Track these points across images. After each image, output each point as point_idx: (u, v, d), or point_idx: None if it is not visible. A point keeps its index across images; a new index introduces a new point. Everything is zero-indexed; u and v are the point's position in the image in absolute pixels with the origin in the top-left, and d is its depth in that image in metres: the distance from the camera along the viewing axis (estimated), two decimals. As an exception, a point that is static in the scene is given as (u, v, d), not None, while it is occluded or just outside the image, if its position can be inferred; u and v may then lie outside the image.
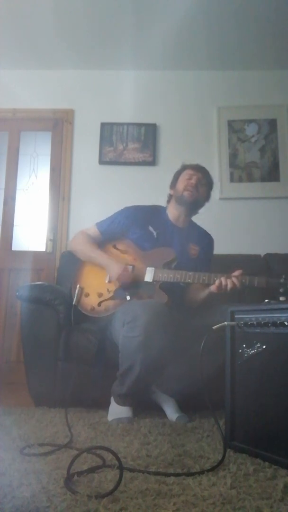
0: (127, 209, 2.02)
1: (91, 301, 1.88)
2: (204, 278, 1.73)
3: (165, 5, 2.60)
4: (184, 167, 2.04)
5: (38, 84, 3.27)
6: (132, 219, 1.97)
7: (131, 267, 1.86)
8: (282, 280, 1.60)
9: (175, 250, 1.88)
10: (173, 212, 2.02)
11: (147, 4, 2.61)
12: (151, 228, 1.95)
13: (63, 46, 3.03)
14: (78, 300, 1.89)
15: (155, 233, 1.94)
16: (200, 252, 1.98)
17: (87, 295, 1.90)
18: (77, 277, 1.97)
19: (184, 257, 1.90)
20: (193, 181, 1.95)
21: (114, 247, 1.97)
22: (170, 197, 2.06)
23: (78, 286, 1.91)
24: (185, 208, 1.98)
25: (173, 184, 2.04)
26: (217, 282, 1.68)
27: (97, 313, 1.86)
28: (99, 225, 2.01)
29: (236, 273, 1.70)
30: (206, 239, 2.06)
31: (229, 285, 1.66)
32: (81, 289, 1.91)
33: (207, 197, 2.03)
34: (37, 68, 3.27)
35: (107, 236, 1.99)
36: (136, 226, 1.95)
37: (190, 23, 2.75)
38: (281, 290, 1.60)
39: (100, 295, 1.88)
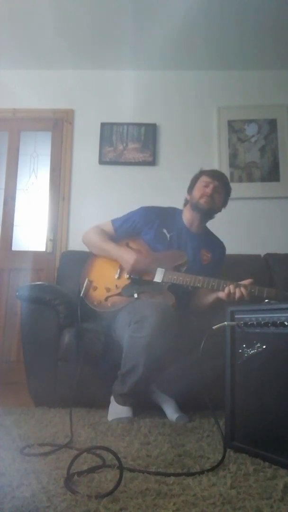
0: (143, 209, 2.02)
1: (98, 295, 1.88)
2: (213, 284, 1.73)
3: (165, 5, 2.60)
4: (201, 173, 2.01)
5: (38, 84, 3.27)
6: (146, 220, 1.97)
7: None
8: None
9: (186, 254, 1.89)
10: (187, 217, 2.01)
11: (147, 4, 2.61)
12: (165, 231, 1.95)
13: (63, 46, 3.03)
14: (86, 293, 1.89)
15: (168, 236, 1.95)
16: (212, 259, 1.98)
17: (95, 288, 1.90)
18: (87, 270, 1.97)
19: (195, 262, 1.91)
20: (209, 190, 1.93)
21: (127, 245, 1.97)
22: (186, 201, 2.04)
23: (87, 279, 1.92)
24: (200, 214, 1.97)
25: (190, 189, 2.02)
26: (226, 290, 1.68)
27: (103, 308, 1.86)
28: (114, 221, 2.02)
29: (246, 282, 1.70)
30: (219, 247, 2.06)
31: (237, 294, 1.66)
32: (90, 282, 1.91)
33: (223, 204, 2.02)
34: (37, 68, 3.26)
35: (121, 234, 1.99)
36: (150, 227, 1.96)
37: (190, 23, 2.74)
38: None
39: (108, 290, 1.88)
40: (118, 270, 1.90)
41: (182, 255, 1.88)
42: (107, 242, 1.96)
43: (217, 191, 1.95)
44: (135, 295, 1.79)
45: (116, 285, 1.88)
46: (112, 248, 1.93)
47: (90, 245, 2.03)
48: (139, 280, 1.85)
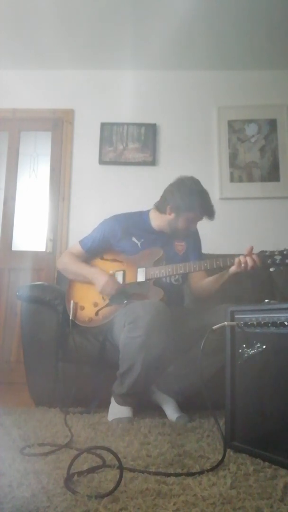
0: (106, 223, 1.99)
1: (87, 313, 1.88)
2: (195, 266, 1.75)
3: (165, 5, 2.60)
4: (195, 204, 1.84)
5: (38, 84, 3.27)
6: (113, 232, 1.94)
7: (121, 272, 1.87)
8: (267, 253, 1.65)
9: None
10: (158, 223, 1.96)
11: (147, 4, 2.61)
12: (134, 239, 1.93)
13: (63, 46, 3.03)
14: (74, 315, 1.89)
15: (139, 244, 1.92)
16: (187, 246, 1.98)
17: (82, 308, 1.90)
18: (70, 293, 1.97)
19: (171, 256, 1.91)
20: (194, 227, 1.92)
21: (102, 258, 1.97)
22: (161, 209, 1.93)
23: (72, 301, 1.92)
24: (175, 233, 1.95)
25: (177, 210, 1.87)
26: (236, 261, 1.67)
27: (96, 323, 1.86)
28: (82, 242, 2.00)
29: (248, 249, 1.68)
30: (190, 232, 2.02)
31: (250, 264, 1.64)
32: (75, 303, 1.91)
33: None
34: (37, 68, 3.27)
35: (92, 252, 1.98)
36: (119, 238, 1.94)
37: (190, 23, 2.75)
38: (269, 261, 1.63)
39: (95, 304, 1.88)
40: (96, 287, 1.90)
41: (158, 251, 1.87)
42: (80, 267, 1.94)
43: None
44: (124, 301, 1.79)
45: (103, 297, 1.87)
46: (86, 272, 1.92)
47: (65, 272, 2.03)
48: (123, 285, 1.84)
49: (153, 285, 1.80)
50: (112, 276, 1.86)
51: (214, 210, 1.88)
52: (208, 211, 1.87)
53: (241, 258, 1.67)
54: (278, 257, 1.62)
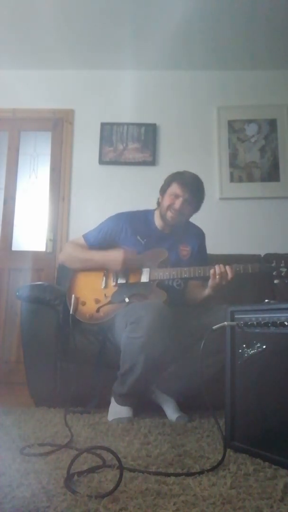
0: (111, 219, 1.98)
1: (88, 309, 1.86)
2: (199, 271, 1.74)
3: (165, 5, 2.60)
4: (174, 178, 1.88)
5: (38, 84, 3.27)
6: (118, 228, 1.94)
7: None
8: (273, 264, 1.65)
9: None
10: (158, 221, 1.97)
11: (147, 4, 2.61)
12: (139, 238, 1.92)
13: (63, 46, 3.03)
14: (75, 310, 1.87)
15: (143, 242, 1.91)
16: (192, 251, 1.97)
17: (83, 303, 1.88)
18: (72, 288, 1.94)
19: (175, 260, 1.89)
20: (177, 204, 1.83)
21: None
22: (158, 203, 1.96)
23: (73, 296, 1.90)
24: (168, 225, 1.93)
25: (162, 192, 1.92)
26: (211, 271, 1.69)
27: (96, 320, 1.84)
28: (86, 236, 1.98)
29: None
30: (195, 237, 2.01)
31: (228, 274, 1.67)
32: (77, 298, 1.89)
33: (195, 210, 1.94)
34: (37, 68, 3.27)
35: (96, 246, 1.95)
36: (124, 235, 1.93)
37: (190, 23, 2.74)
38: (274, 273, 1.65)
39: (97, 301, 1.86)
40: (104, 279, 1.89)
41: (163, 252, 1.86)
42: (88, 252, 1.92)
43: (188, 202, 1.86)
44: (126, 300, 1.78)
45: (105, 295, 1.86)
46: (95, 255, 1.89)
47: (70, 261, 1.99)
48: (126, 284, 1.83)
49: (156, 287, 1.79)
50: (126, 250, 1.84)
51: (198, 188, 1.87)
52: (188, 184, 1.85)
53: (216, 268, 1.68)
54: (284, 270, 1.63)
